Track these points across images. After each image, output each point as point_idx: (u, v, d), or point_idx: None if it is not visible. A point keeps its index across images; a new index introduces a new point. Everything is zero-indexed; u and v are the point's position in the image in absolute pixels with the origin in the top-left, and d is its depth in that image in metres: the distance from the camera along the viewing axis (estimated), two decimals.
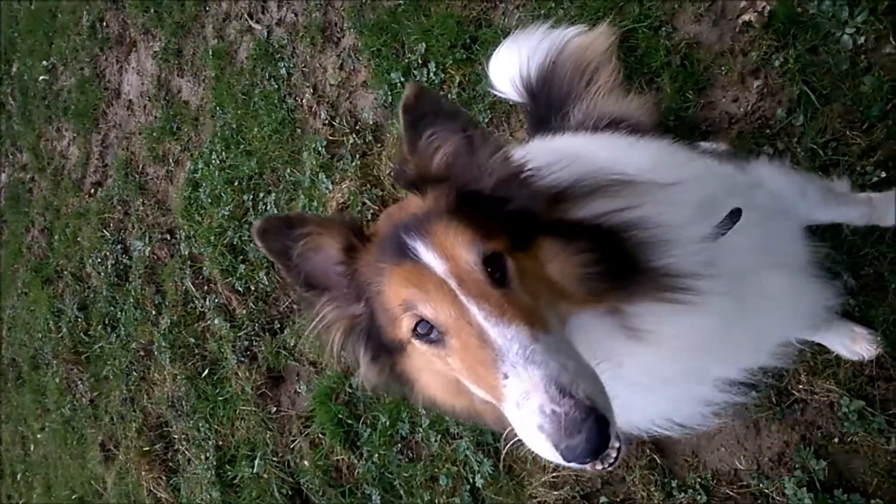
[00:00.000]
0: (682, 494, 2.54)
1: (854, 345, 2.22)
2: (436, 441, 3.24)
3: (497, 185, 1.35)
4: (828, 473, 2.27)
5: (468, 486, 3.12)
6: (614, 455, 1.21)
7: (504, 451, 2.90)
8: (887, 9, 2.30)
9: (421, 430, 3.31)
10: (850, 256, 2.28)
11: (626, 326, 1.34)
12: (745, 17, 2.59)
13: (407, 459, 3.40)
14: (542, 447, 1.10)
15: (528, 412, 1.10)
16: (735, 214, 1.48)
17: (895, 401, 2.19)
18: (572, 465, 1.11)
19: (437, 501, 3.22)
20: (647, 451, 2.63)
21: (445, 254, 1.25)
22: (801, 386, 2.35)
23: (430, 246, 1.26)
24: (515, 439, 1.17)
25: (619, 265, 1.31)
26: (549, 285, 1.30)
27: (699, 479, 2.53)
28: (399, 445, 3.43)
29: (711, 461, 2.54)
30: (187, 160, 5.15)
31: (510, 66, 2.65)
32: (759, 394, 2.26)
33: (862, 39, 2.36)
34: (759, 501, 2.42)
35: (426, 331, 1.28)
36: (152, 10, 5.71)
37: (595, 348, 1.30)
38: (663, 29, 2.80)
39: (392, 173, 2.99)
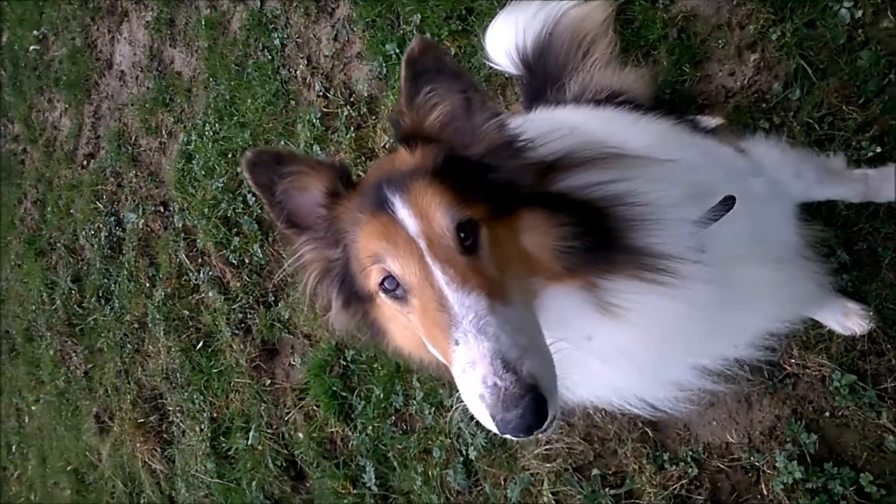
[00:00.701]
0: (674, 467, 2.57)
1: (847, 320, 2.23)
2: (430, 413, 3.26)
3: (487, 152, 1.35)
4: (818, 447, 2.29)
5: (461, 458, 3.15)
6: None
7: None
8: None
9: (415, 402, 3.33)
10: (844, 232, 2.29)
11: (600, 302, 1.34)
12: None
13: (401, 432, 3.42)
14: (482, 415, 1.13)
15: (471, 380, 1.13)
16: (728, 202, 1.48)
17: (886, 375, 2.21)
18: (507, 436, 1.13)
19: (430, 473, 3.25)
20: (640, 424, 2.65)
21: (420, 213, 1.26)
22: (793, 360, 2.37)
23: (407, 203, 1.27)
24: (462, 403, 1.19)
25: (600, 240, 1.31)
26: (522, 257, 1.30)
27: (691, 453, 2.55)
28: (393, 418, 3.45)
29: (703, 435, 2.57)
30: (180, 132, 5.12)
31: (506, 38, 2.63)
32: (745, 378, 2.28)
33: (860, 13, 2.34)
34: (750, 474, 2.45)
35: (393, 287, 1.29)
36: None
37: (566, 322, 1.32)
38: (660, 1, 2.77)
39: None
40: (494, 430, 1.13)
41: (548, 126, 1.48)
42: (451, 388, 3.09)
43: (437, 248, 1.24)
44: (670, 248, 1.35)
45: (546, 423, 1.13)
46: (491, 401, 1.10)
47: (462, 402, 1.19)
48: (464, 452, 3.14)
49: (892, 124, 2.27)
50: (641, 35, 2.78)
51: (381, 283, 1.31)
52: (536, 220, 1.30)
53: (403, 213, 1.26)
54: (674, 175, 1.47)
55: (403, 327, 1.40)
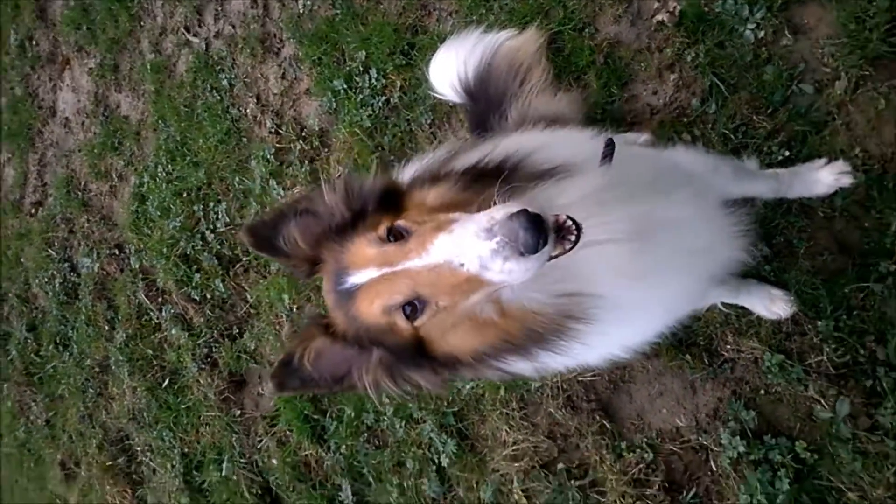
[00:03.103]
0: (631, 454, 2.78)
1: (772, 305, 2.49)
2: (401, 427, 3.42)
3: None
4: (757, 422, 2.54)
5: (434, 467, 3.31)
6: (573, 237, 1.34)
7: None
8: (781, 6, 2.58)
9: (386, 418, 3.49)
10: (763, 227, 2.55)
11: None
12: (659, 17, 2.84)
13: (374, 447, 3.57)
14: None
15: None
16: (609, 145, 1.66)
17: (809, 352, 2.48)
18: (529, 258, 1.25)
19: (405, 484, 3.41)
20: (597, 417, 2.87)
21: (361, 264, 1.45)
22: (728, 346, 2.62)
23: (352, 270, 1.46)
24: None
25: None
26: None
27: (645, 439, 2.78)
28: (365, 435, 3.60)
29: (655, 422, 2.80)
30: (132, 174, 5.19)
31: (448, 70, 2.80)
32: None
33: (762, 33, 2.63)
34: (700, 454, 2.68)
35: (411, 310, 1.44)
36: (84, 28, 5.71)
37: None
38: (586, 30, 3.03)
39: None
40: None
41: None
42: (420, 401, 3.25)
43: (395, 258, 1.41)
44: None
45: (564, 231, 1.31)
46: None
47: None
48: (436, 461, 3.31)
49: (797, 130, 2.55)
50: (572, 62, 3.03)
51: (406, 316, 1.44)
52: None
53: (357, 277, 1.47)
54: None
55: (453, 328, 1.49)
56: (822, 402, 2.41)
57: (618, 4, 2.96)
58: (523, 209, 1.24)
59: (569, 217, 1.33)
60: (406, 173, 1.75)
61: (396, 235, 1.45)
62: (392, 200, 1.58)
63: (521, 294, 1.49)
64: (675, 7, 2.81)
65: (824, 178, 2.43)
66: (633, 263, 1.60)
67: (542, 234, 1.23)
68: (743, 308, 2.55)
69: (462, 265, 1.31)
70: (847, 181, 2.40)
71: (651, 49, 2.89)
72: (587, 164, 1.62)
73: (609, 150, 1.65)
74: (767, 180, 2.45)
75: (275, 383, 1.56)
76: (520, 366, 1.59)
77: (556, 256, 1.33)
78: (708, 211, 1.96)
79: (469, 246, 1.29)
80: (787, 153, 2.55)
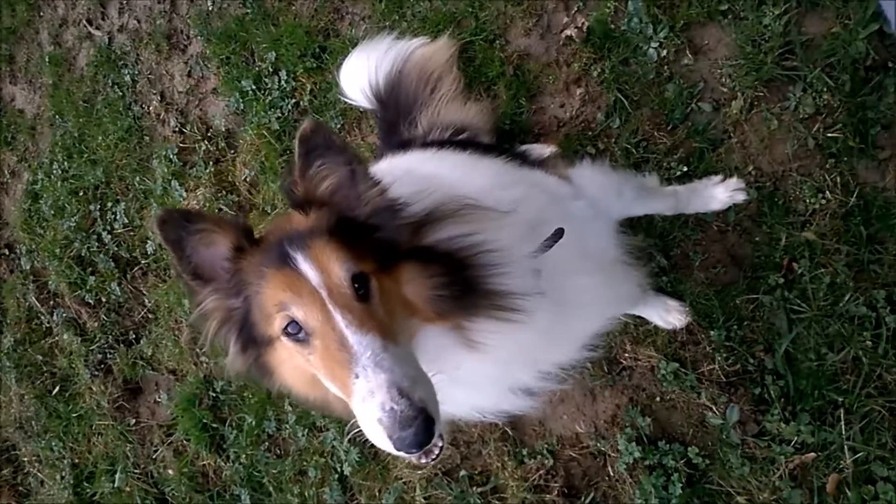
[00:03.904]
0: (532, 461, 2.82)
1: (668, 315, 2.58)
2: (303, 435, 3.36)
3: (371, 214, 1.54)
4: (653, 428, 2.61)
5: (337, 475, 3.27)
6: (437, 452, 1.44)
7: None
8: (683, 26, 2.68)
9: (287, 426, 3.42)
10: (661, 240, 2.64)
11: (466, 340, 1.57)
12: (567, 32, 2.91)
13: (275, 456, 3.50)
14: (379, 437, 1.31)
15: (370, 407, 1.31)
16: (558, 233, 1.75)
17: (702, 361, 2.57)
18: (401, 454, 1.33)
19: (307, 494, 3.34)
20: (500, 425, 2.89)
21: (321, 267, 1.42)
22: (627, 354, 2.69)
23: (309, 259, 1.43)
24: (357, 430, 1.38)
25: (463, 287, 1.54)
26: (404, 304, 1.50)
27: (546, 446, 2.82)
28: (266, 444, 3.52)
29: (556, 428, 2.84)
30: (25, 171, 4.95)
31: (359, 75, 2.80)
32: (581, 375, 2.60)
33: (664, 52, 2.73)
34: (598, 459, 2.74)
35: (296, 331, 1.44)
36: None
37: (440, 357, 1.53)
38: (497, 42, 3.07)
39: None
40: (391, 448, 1.31)
41: (410, 181, 1.70)
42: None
43: (337, 297, 1.40)
44: (516, 286, 1.59)
45: (433, 445, 1.35)
46: (388, 423, 1.28)
47: (359, 428, 1.36)
48: (338, 469, 3.26)
49: (695, 147, 2.65)
50: (482, 72, 3.06)
51: (285, 329, 1.45)
52: (413, 273, 1.51)
53: (305, 267, 1.42)
54: (515, 217, 1.73)
55: (296, 368, 1.55)
56: (714, 409, 2.50)
57: (528, 18, 3.01)
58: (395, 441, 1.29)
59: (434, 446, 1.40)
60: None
61: (360, 287, 1.45)
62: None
63: None
64: (583, 23, 2.88)
65: (720, 194, 2.53)
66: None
67: (428, 439, 1.31)
68: (641, 318, 2.63)
69: (356, 376, 1.35)
70: (741, 197, 2.51)
71: (559, 63, 2.95)
72: (523, 244, 1.69)
73: (556, 239, 1.73)
74: (667, 198, 2.54)
75: (162, 214, 1.48)
76: None
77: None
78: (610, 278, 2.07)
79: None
80: (686, 169, 2.64)
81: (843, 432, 2.29)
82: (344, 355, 1.36)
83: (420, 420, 1.28)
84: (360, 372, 1.33)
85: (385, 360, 1.34)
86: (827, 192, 2.41)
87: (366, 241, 1.51)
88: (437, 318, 1.53)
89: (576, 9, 2.93)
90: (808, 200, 2.44)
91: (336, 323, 1.39)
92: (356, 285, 1.42)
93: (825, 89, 2.42)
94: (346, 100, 3.04)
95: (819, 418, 2.36)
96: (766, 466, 2.39)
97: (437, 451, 1.44)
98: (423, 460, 1.44)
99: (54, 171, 4.65)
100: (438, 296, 1.50)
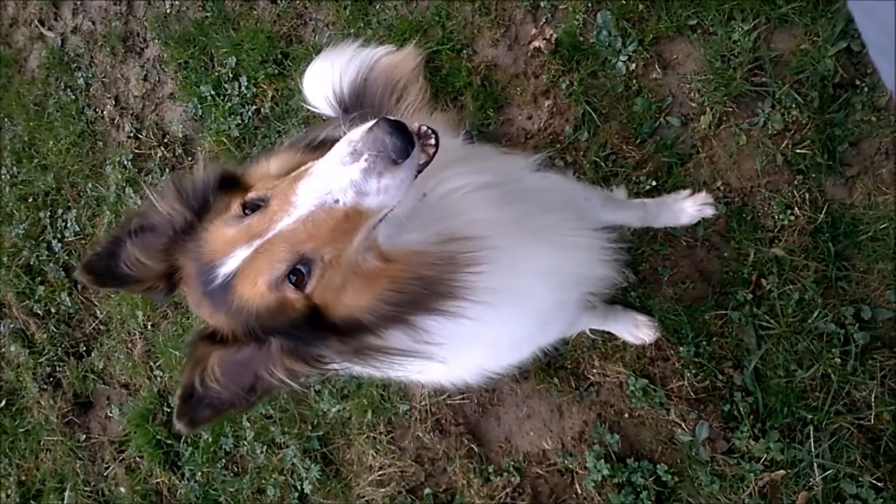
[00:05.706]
0: (499, 478, 2.77)
1: (637, 331, 2.55)
2: (261, 452, 3.26)
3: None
4: (621, 445, 2.58)
5: (297, 494, 3.18)
6: (433, 141, 1.33)
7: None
8: (652, 40, 2.67)
9: (245, 443, 3.32)
10: (630, 255, 2.61)
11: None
12: (536, 44, 2.87)
13: (232, 474, 3.39)
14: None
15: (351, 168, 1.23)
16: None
17: (671, 377, 2.55)
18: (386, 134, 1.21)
19: None
20: (465, 440, 2.84)
21: (226, 250, 1.34)
22: (595, 370, 2.66)
23: (218, 260, 1.34)
24: None
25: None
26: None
27: (512, 463, 2.77)
28: (223, 461, 3.41)
29: (522, 445, 2.79)
30: None
31: (323, 83, 2.72)
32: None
33: (633, 66, 2.71)
34: (565, 476, 2.70)
35: (297, 277, 1.33)
36: None
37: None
38: (465, 51, 3.03)
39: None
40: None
41: None
42: (283, 424, 3.11)
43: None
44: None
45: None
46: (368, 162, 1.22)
47: None
48: (299, 488, 3.18)
49: (664, 161, 2.63)
50: (449, 82, 3.01)
51: (293, 284, 1.33)
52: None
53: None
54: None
55: (342, 287, 1.40)
56: (683, 425, 2.48)
57: (496, 28, 2.97)
58: (381, 118, 1.22)
59: (423, 124, 1.32)
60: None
61: (252, 207, 1.36)
62: (231, 186, 1.49)
63: (400, 237, 1.45)
64: (551, 35, 2.84)
65: (688, 208, 2.51)
66: (506, 210, 1.62)
67: (408, 135, 1.22)
68: (609, 333, 2.60)
69: (337, 201, 1.25)
70: (709, 212, 2.50)
71: (527, 74, 2.92)
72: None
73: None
74: (635, 210, 2.51)
75: (184, 422, 1.37)
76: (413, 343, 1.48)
77: (423, 166, 1.32)
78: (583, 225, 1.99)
79: (337, 177, 1.24)
80: (654, 183, 2.62)
81: (813, 449, 2.29)
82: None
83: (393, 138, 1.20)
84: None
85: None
86: (795, 208, 2.41)
87: None
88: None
89: (544, 20, 2.89)
90: (776, 216, 2.44)
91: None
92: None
93: (794, 106, 2.42)
94: (308, 107, 2.95)
95: (788, 435, 2.35)
96: (736, 484, 2.38)
97: (433, 141, 1.33)
98: (429, 152, 1.33)
99: (2, 177, 4.49)
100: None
